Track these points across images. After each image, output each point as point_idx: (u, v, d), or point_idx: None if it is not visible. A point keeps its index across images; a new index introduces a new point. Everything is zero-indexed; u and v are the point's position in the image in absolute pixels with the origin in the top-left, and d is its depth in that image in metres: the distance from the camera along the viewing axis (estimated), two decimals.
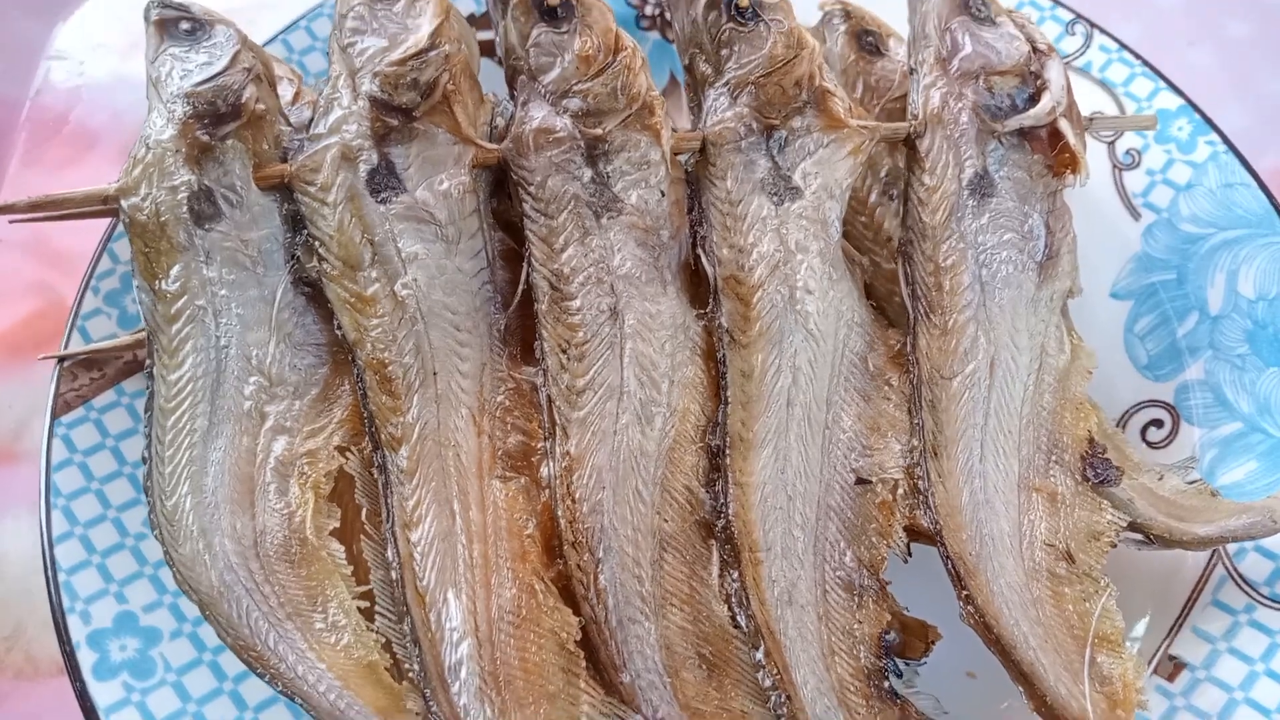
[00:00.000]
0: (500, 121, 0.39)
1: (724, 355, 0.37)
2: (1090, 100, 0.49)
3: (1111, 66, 0.51)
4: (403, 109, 0.37)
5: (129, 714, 0.37)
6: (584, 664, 0.33)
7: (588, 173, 0.38)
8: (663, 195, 0.38)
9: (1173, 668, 0.38)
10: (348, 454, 0.36)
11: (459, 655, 0.32)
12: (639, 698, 0.33)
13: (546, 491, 0.36)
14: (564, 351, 0.37)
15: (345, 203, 0.37)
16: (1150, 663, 0.38)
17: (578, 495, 0.35)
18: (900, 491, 0.37)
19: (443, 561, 0.34)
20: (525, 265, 0.38)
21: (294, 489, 0.35)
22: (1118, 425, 0.44)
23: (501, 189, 0.39)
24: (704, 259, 0.38)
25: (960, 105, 0.40)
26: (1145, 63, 0.51)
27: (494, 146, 0.38)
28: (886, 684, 0.34)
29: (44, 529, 0.40)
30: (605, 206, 0.38)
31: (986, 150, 0.39)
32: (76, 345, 0.43)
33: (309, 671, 0.32)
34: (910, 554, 0.36)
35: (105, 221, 0.43)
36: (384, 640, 0.34)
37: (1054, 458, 0.37)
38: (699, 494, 0.36)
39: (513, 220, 0.39)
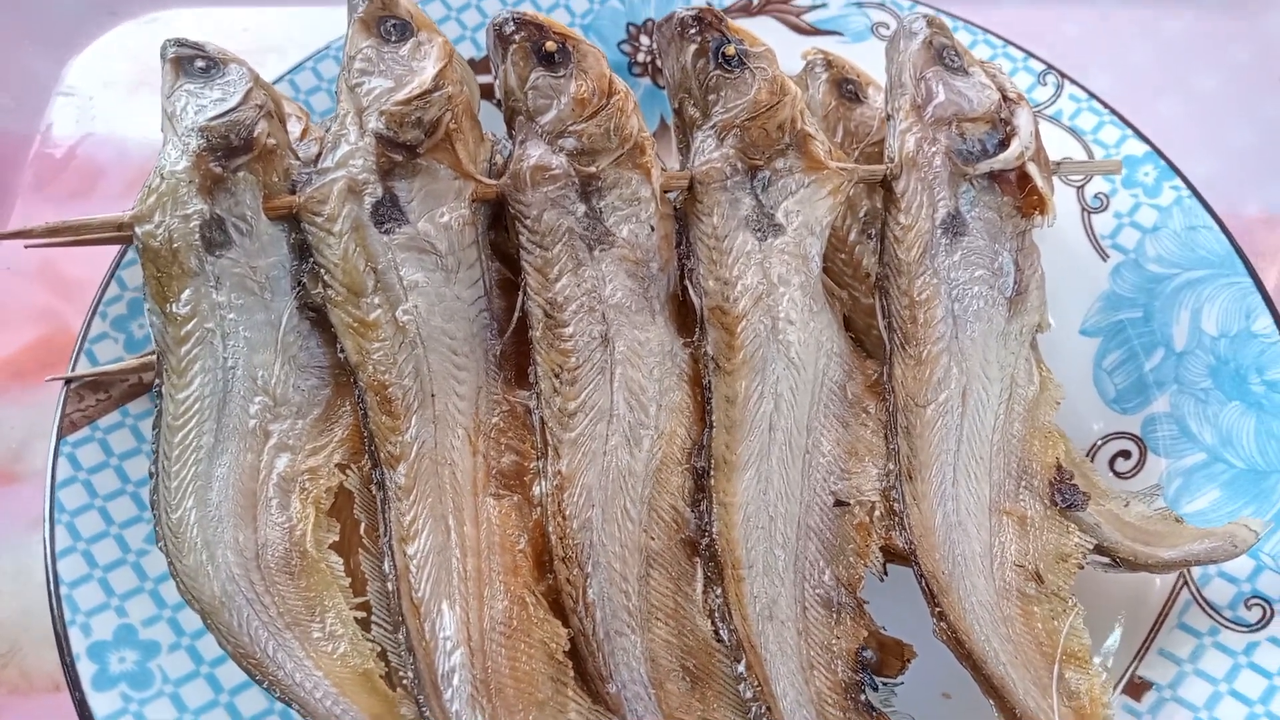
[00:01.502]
0: (499, 159, 0.41)
1: (709, 381, 0.39)
2: (1060, 146, 0.52)
3: (1081, 115, 0.54)
4: (407, 145, 0.39)
5: None
6: (572, 674, 0.34)
7: (581, 208, 0.40)
8: (652, 230, 0.40)
9: (1140, 688, 0.39)
10: (348, 471, 0.38)
11: (452, 663, 0.33)
12: (624, 708, 0.34)
13: (538, 509, 0.37)
14: (557, 376, 0.38)
15: (350, 233, 0.39)
16: (1118, 683, 0.40)
17: (568, 513, 0.37)
18: (877, 513, 0.38)
19: (437, 574, 0.35)
20: (521, 294, 0.40)
21: (295, 504, 0.37)
22: (1086, 456, 0.46)
23: (499, 222, 0.41)
24: (691, 290, 0.40)
25: (934, 149, 0.42)
26: (1113, 111, 0.54)
27: (493, 182, 0.40)
28: (863, 698, 0.35)
29: (47, 544, 0.41)
30: (598, 240, 0.40)
31: (959, 192, 0.42)
32: (84, 368, 0.45)
33: (306, 679, 0.34)
34: (886, 573, 0.38)
35: (112, 251, 0.45)
36: (379, 649, 0.35)
37: (1023, 483, 0.39)
38: (684, 513, 0.38)
39: (509, 251, 0.41)
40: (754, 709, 0.34)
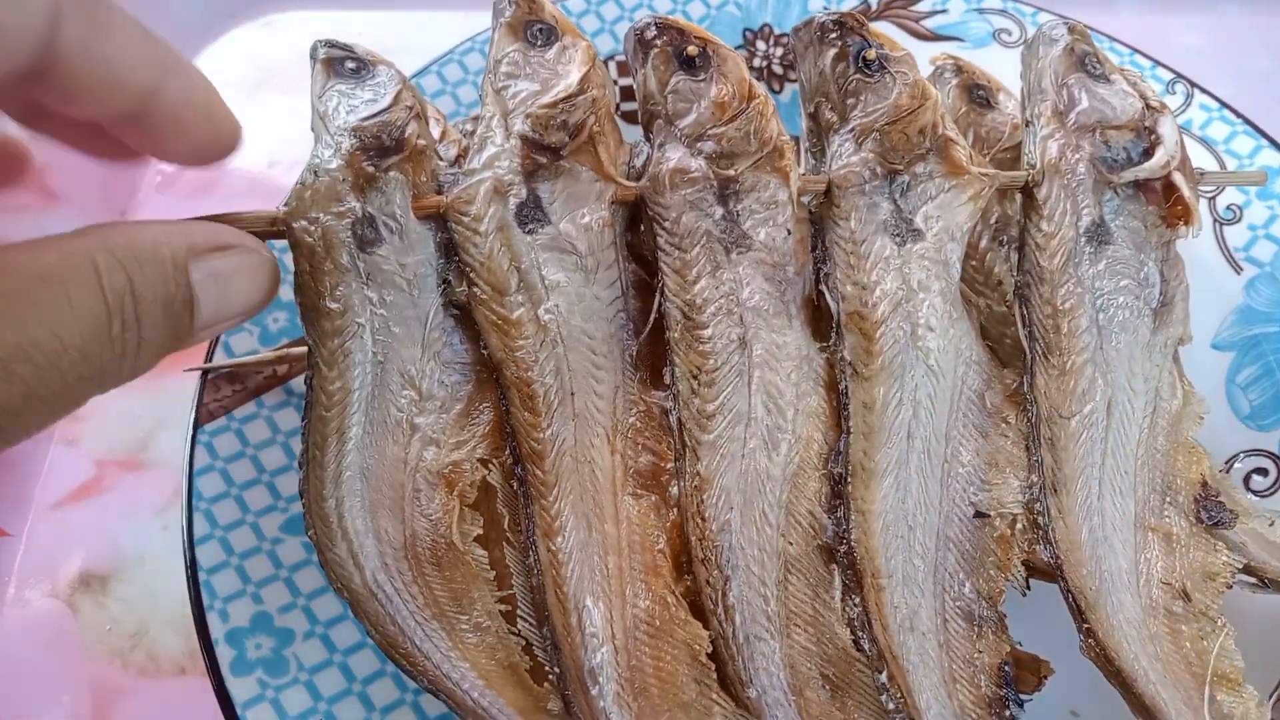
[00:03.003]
0: (637, 162, 0.42)
1: (846, 387, 0.39)
2: (1192, 158, 0.50)
3: (1212, 124, 0.53)
4: (551, 148, 0.40)
5: (264, 709, 0.39)
6: (715, 676, 0.34)
7: (719, 210, 0.40)
8: (789, 233, 0.40)
9: None
10: (489, 466, 0.38)
11: (598, 660, 0.34)
12: (766, 714, 0.34)
13: (674, 510, 0.38)
14: (695, 378, 0.39)
15: (495, 233, 0.39)
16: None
17: (707, 514, 0.37)
18: (1019, 526, 0.38)
19: (581, 570, 0.35)
20: (658, 295, 0.40)
21: (441, 496, 0.37)
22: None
23: (635, 224, 0.42)
24: (827, 295, 0.40)
25: (1078, 156, 0.41)
26: (1247, 121, 0.52)
27: (633, 185, 0.41)
28: (1008, 713, 0.34)
29: (185, 530, 0.42)
30: (735, 242, 0.40)
31: (1102, 200, 0.41)
32: (219, 360, 0.47)
33: (453, 670, 0.34)
34: (1029, 588, 0.37)
35: None
36: (524, 643, 0.35)
37: (1168, 499, 0.38)
38: (821, 519, 0.38)
39: (643, 253, 0.42)
40: (897, 718, 0.34)
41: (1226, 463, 0.46)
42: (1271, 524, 0.40)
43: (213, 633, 0.40)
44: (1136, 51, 0.56)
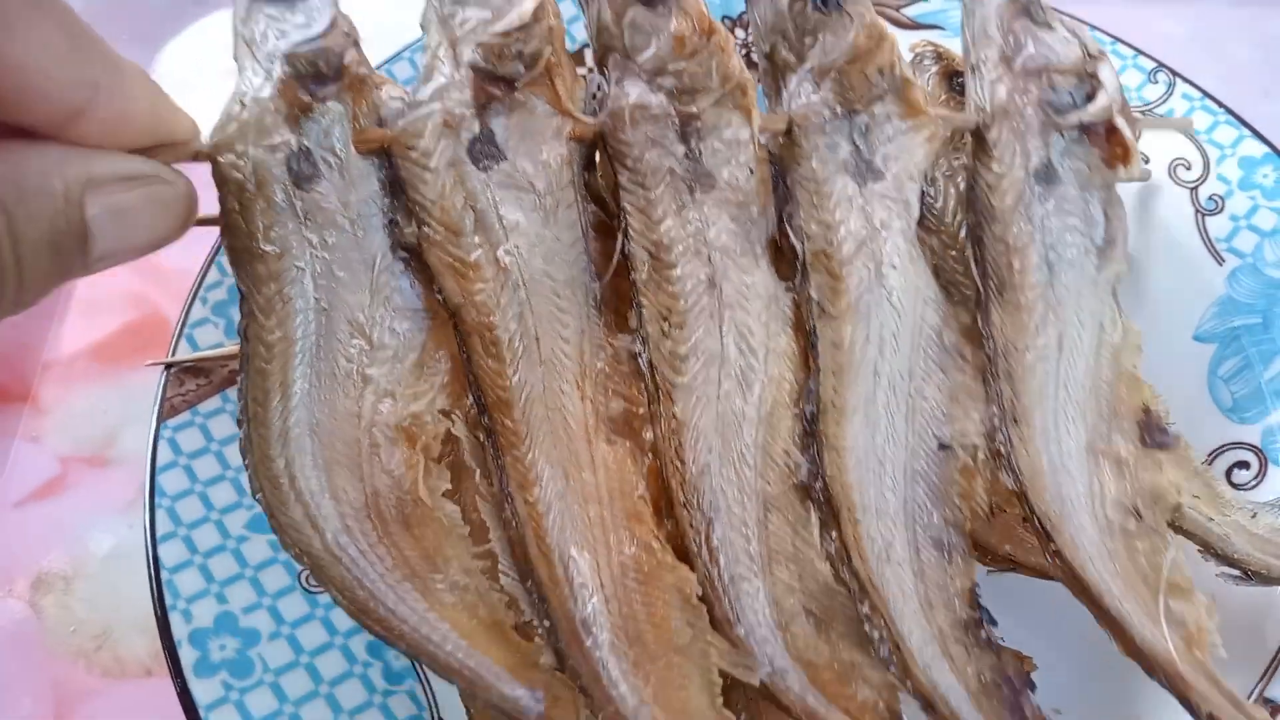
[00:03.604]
0: (598, 94, 0.40)
1: (814, 326, 0.39)
2: (1173, 147, 0.50)
3: (1194, 114, 0.52)
4: (506, 79, 0.38)
5: (228, 711, 0.38)
6: (707, 618, 0.34)
7: (681, 149, 0.39)
8: (751, 173, 0.40)
9: (1270, 711, 0.38)
10: (452, 417, 0.36)
11: (590, 610, 0.32)
12: (755, 651, 0.34)
13: (650, 455, 0.37)
14: (665, 319, 0.38)
15: (447, 169, 0.37)
16: None
17: (686, 458, 0.36)
18: (981, 457, 0.39)
19: (563, 521, 0.34)
20: (620, 236, 0.39)
21: (402, 451, 0.35)
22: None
23: (590, 163, 0.40)
24: (792, 235, 0.40)
25: (1025, 100, 0.42)
26: (1228, 110, 0.52)
27: (592, 120, 0.39)
28: (983, 633, 0.35)
29: (148, 528, 0.41)
30: (698, 181, 0.39)
31: (1050, 142, 0.42)
32: (183, 353, 0.44)
33: (433, 632, 0.32)
34: (992, 511, 0.38)
35: (211, 236, 0.43)
36: (509, 599, 0.34)
37: (1114, 425, 0.40)
38: (796, 457, 0.37)
39: (599, 193, 0.40)
40: (882, 648, 0.34)
41: (1209, 456, 0.45)
42: (1254, 516, 0.40)
43: (176, 634, 0.39)
44: (1118, 40, 0.55)
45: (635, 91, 0.39)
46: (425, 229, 0.37)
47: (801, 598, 0.35)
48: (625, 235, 0.39)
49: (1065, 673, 0.36)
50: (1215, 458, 0.45)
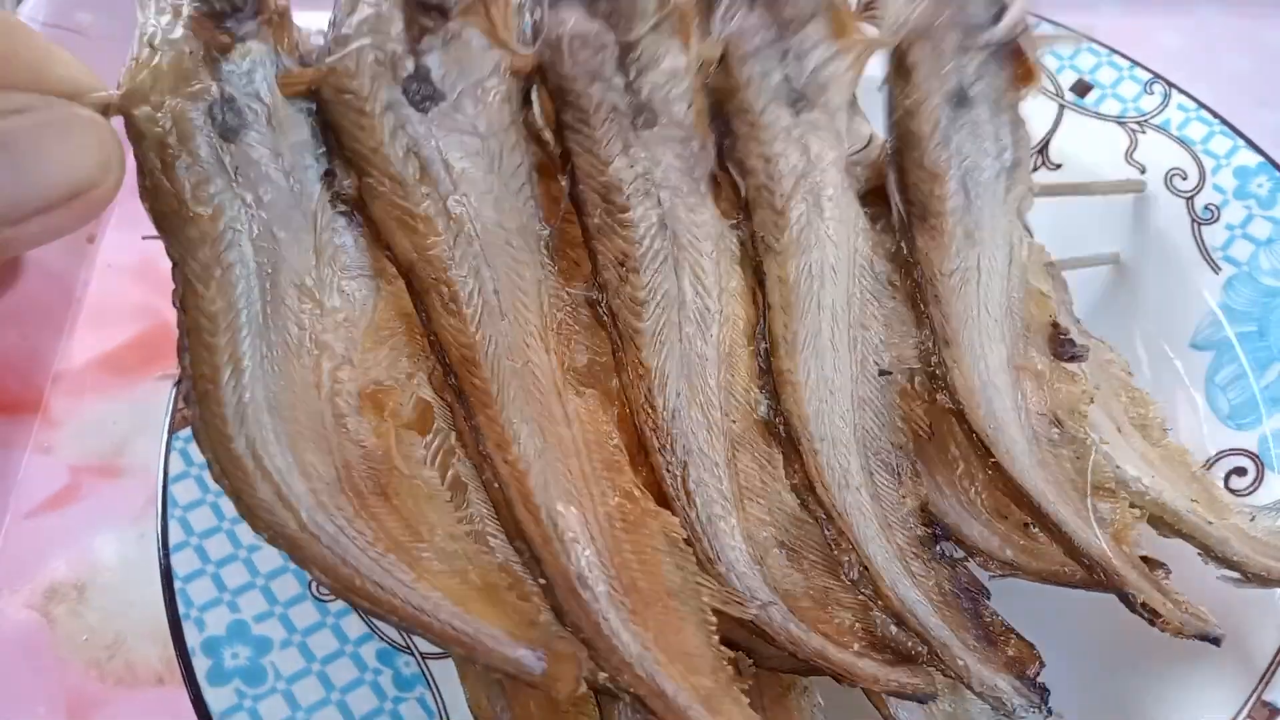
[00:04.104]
0: (529, 21, 0.38)
1: (760, 262, 0.39)
2: (1168, 157, 0.52)
3: (1190, 125, 0.53)
4: (439, 8, 0.35)
5: (241, 719, 0.39)
6: (694, 558, 0.35)
7: (620, 80, 0.38)
8: (689, 106, 0.39)
9: (1268, 714, 0.40)
10: (416, 380, 0.35)
11: (584, 564, 0.33)
12: (736, 585, 0.35)
13: (618, 404, 0.37)
14: (622, 264, 0.37)
15: (385, 113, 0.34)
16: (1244, 708, 0.41)
17: (657, 404, 0.36)
18: (918, 380, 0.41)
19: (546, 477, 0.34)
20: (568, 178, 0.38)
21: (370, 420, 0.34)
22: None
23: (527, 99, 0.38)
24: (732, 170, 0.40)
25: (940, 22, 0.43)
26: (1224, 121, 0.53)
27: (529, 52, 0.37)
28: (938, 548, 0.38)
29: (160, 538, 0.42)
30: (640, 116, 0.38)
31: (963, 65, 0.43)
32: None
33: (424, 602, 0.32)
34: (931, 431, 0.41)
35: None
36: (499, 560, 0.33)
37: (1029, 341, 0.43)
38: (755, 395, 0.39)
39: (537, 132, 0.39)
40: (851, 572, 0.37)
41: (1207, 462, 0.46)
42: (1252, 519, 0.43)
43: (189, 642, 0.39)
44: (1115, 52, 0.56)
45: (572, 18, 0.37)
46: (367, 180, 0.34)
47: (773, 531, 0.37)
48: (572, 178, 0.37)
49: (1065, 674, 0.37)
50: (1213, 464, 0.46)
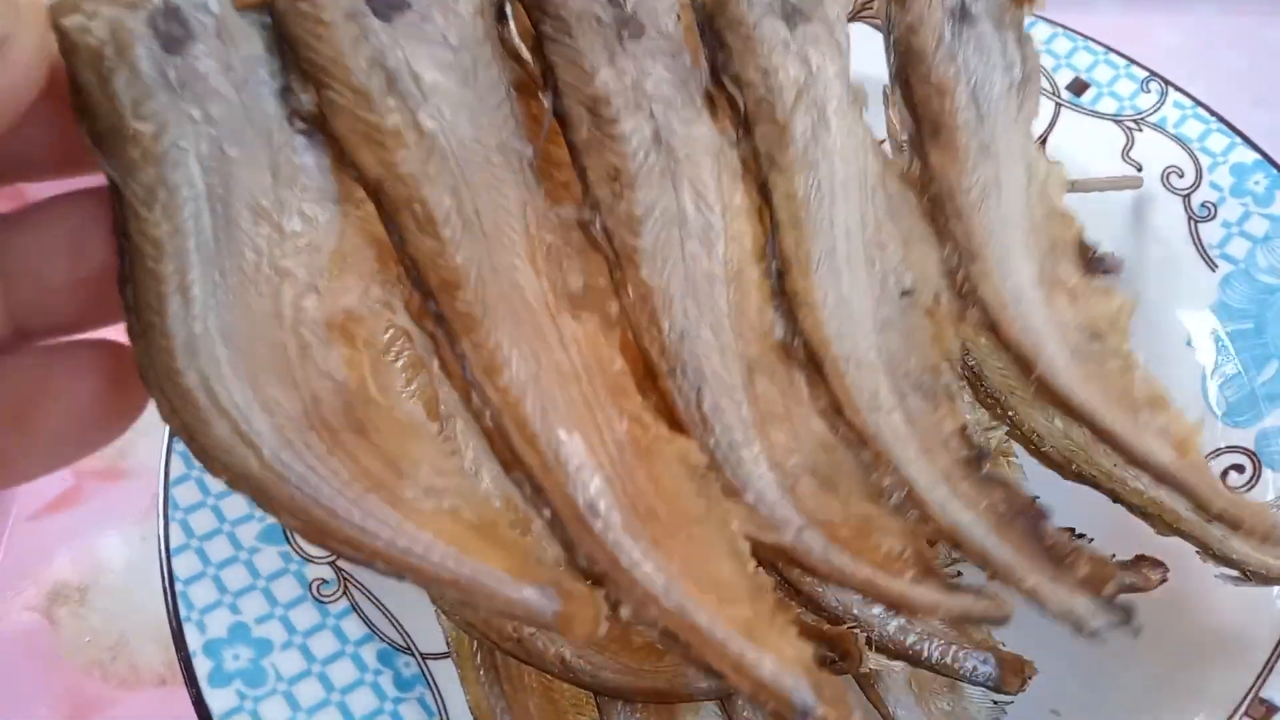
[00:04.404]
0: None
1: (766, 179, 0.36)
2: (1166, 155, 0.51)
3: (1186, 123, 0.53)
4: None
5: None
6: (718, 486, 0.31)
7: None
8: (678, 18, 0.36)
9: (1265, 711, 0.39)
10: (391, 306, 0.31)
11: (592, 492, 0.29)
12: (768, 514, 0.31)
13: (619, 329, 0.33)
14: (615, 180, 0.34)
15: (345, 23, 0.31)
16: (1241, 705, 0.40)
17: (663, 324, 0.33)
18: (945, 301, 0.38)
19: (543, 404, 0.30)
20: (550, 93, 0.35)
21: (341, 350, 0.30)
22: None
23: (502, 14, 0.36)
24: (728, 85, 0.37)
25: None
26: (1220, 118, 0.53)
27: None
28: (984, 469, 0.34)
29: (161, 541, 0.42)
30: (625, 27, 0.35)
31: None
32: None
33: (413, 544, 0.27)
34: (968, 352, 0.37)
35: None
36: (496, 496, 0.29)
37: (1058, 256, 0.40)
38: (770, 316, 0.35)
39: (515, 50, 0.36)
40: (894, 496, 0.33)
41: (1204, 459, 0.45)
42: None
43: (190, 644, 0.40)
44: (1110, 50, 0.56)
45: None
46: (328, 93, 0.31)
47: (801, 458, 0.33)
48: (555, 92, 0.35)
49: (1064, 675, 0.37)
50: (1210, 462, 0.44)
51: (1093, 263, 0.40)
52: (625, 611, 0.27)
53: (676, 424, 0.32)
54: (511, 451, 0.29)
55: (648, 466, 0.30)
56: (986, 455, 0.34)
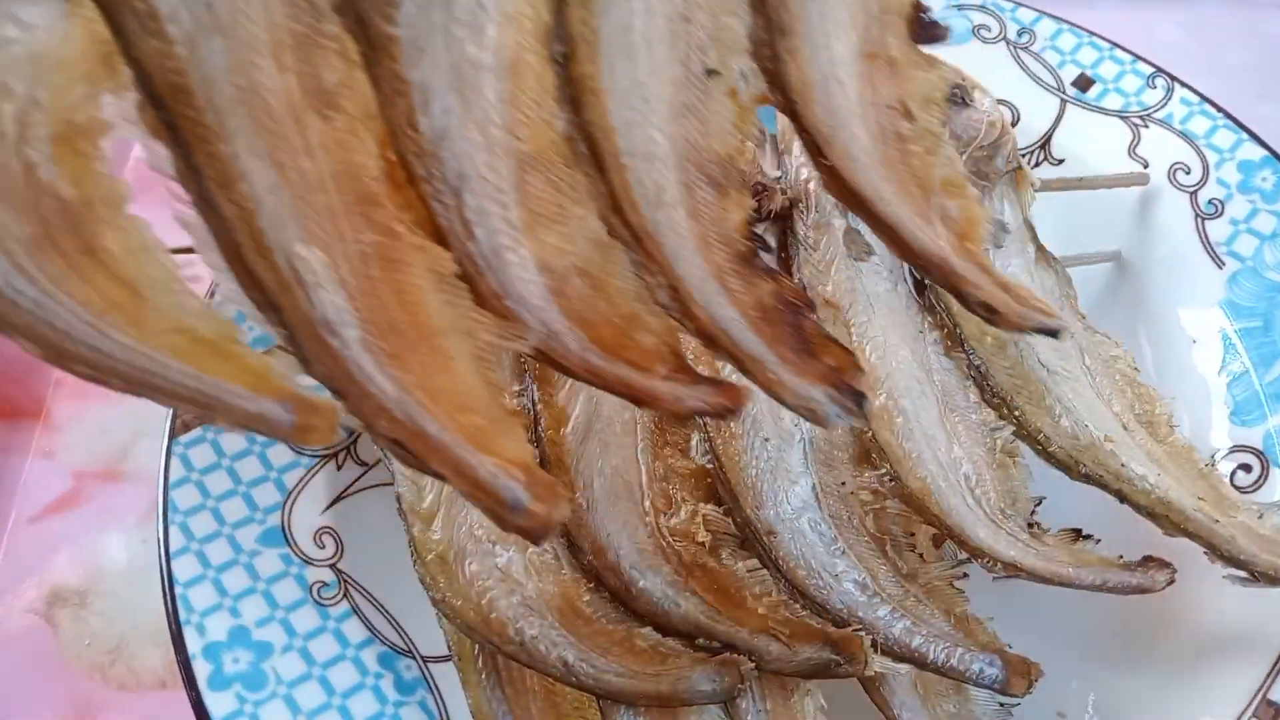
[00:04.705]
0: None
1: None
2: (1172, 151, 0.51)
3: (1193, 119, 0.52)
4: None
5: None
6: (469, 296, 0.31)
7: None
8: None
9: (1272, 713, 0.40)
10: (121, 116, 0.30)
11: (331, 309, 0.29)
12: (529, 320, 0.31)
13: (376, 127, 0.32)
14: None
15: None
16: (1249, 707, 0.40)
17: (420, 125, 0.31)
18: (751, 81, 0.35)
19: (281, 216, 0.29)
20: None
21: (70, 168, 0.29)
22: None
23: None
24: None
25: None
26: (1227, 115, 0.51)
27: None
28: (758, 260, 0.34)
29: (161, 544, 0.42)
30: None
31: None
32: None
33: (150, 363, 0.28)
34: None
35: None
36: (231, 315, 0.29)
37: (885, 24, 0.37)
38: (550, 108, 0.33)
39: None
40: (660, 295, 0.33)
41: (1211, 459, 0.45)
42: (1260, 516, 0.40)
43: (190, 647, 0.40)
44: (1116, 46, 0.55)
45: None
46: None
47: (574, 259, 0.33)
48: None
49: (1066, 676, 0.38)
50: (1218, 462, 0.45)
51: (922, 29, 0.37)
52: (356, 421, 0.28)
53: (438, 231, 0.31)
54: (247, 268, 0.29)
55: (393, 279, 0.30)
56: (766, 248, 0.34)
